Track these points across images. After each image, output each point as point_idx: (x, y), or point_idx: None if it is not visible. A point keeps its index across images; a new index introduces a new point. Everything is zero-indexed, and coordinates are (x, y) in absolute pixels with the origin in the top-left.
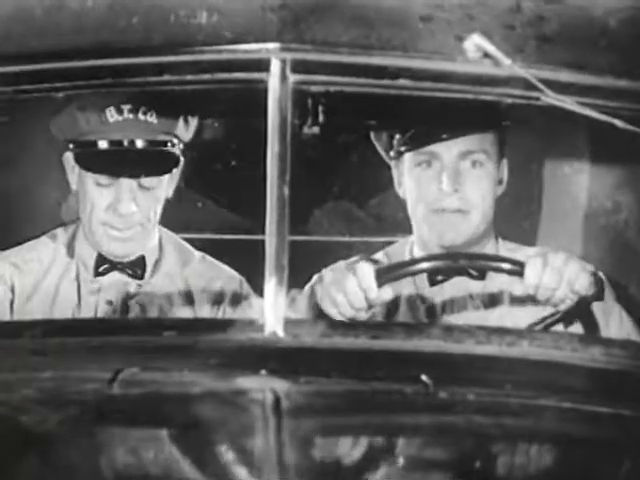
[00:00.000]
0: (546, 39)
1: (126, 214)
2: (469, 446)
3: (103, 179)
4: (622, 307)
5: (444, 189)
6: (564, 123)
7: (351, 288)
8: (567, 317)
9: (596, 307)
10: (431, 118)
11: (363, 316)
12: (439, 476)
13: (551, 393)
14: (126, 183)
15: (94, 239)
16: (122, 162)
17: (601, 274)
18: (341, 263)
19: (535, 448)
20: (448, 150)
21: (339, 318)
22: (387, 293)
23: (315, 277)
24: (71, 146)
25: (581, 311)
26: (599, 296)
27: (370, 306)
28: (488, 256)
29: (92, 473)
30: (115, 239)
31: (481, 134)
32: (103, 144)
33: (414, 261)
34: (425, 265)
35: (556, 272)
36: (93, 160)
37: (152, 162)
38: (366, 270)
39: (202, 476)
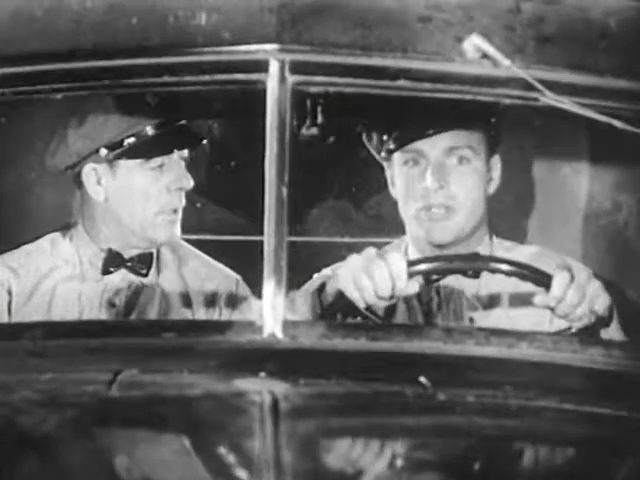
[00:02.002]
0: (545, 40)
1: (187, 187)
2: (469, 447)
3: (155, 162)
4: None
5: (429, 185)
6: (563, 124)
7: (381, 275)
8: (580, 334)
9: (602, 332)
10: (416, 115)
11: (382, 305)
12: (438, 478)
13: (551, 394)
14: (178, 159)
15: (148, 235)
16: (171, 139)
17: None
18: (371, 250)
19: (535, 449)
20: (433, 147)
21: (360, 304)
22: (414, 286)
23: (316, 275)
24: (105, 152)
25: (593, 332)
26: (609, 321)
27: (392, 297)
28: (519, 264)
29: (91, 475)
30: (171, 223)
31: (466, 130)
32: (150, 130)
33: (447, 258)
34: (457, 264)
35: (580, 289)
36: (145, 147)
37: (194, 133)
38: (398, 259)
39: (201, 476)
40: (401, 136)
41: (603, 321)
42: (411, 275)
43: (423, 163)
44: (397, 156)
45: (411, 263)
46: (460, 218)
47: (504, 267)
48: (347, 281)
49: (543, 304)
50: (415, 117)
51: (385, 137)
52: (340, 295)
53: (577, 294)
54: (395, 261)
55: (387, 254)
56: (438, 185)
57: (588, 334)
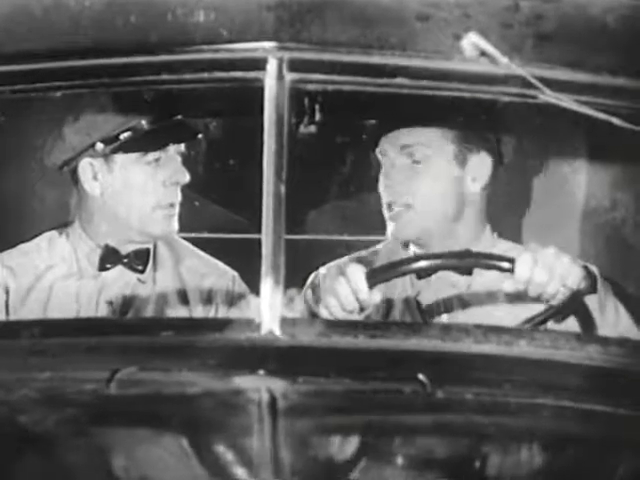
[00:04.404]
0: (544, 37)
1: (183, 181)
2: (467, 445)
3: (151, 156)
4: (617, 300)
5: (386, 183)
6: (562, 121)
7: (342, 290)
8: (561, 312)
9: (590, 301)
10: (381, 112)
11: (356, 318)
12: (437, 475)
13: (549, 392)
14: (174, 153)
15: (145, 229)
16: (167, 133)
17: (593, 267)
18: (334, 263)
19: (533, 447)
20: (392, 144)
21: None
22: (377, 295)
23: (314, 274)
24: (101, 146)
25: (575, 305)
26: (592, 289)
27: (362, 308)
28: (478, 254)
29: (90, 473)
30: (168, 218)
31: (424, 128)
32: (145, 125)
33: (404, 261)
34: (415, 265)
35: (547, 267)
36: (141, 142)
37: (189, 128)
38: (356, 271)
39: (199, 475)
40: (373, 133)
41: (581, 293)
42: (372, 285)
43: (386, 161)
44: (379, 153)
45: (369, 274)
46: (419, 216)
47: (463, 262)
48: (315, 301)
49: (513, 289)
50: (380, 114)
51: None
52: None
53: (544, 272)
54: (354, 274)
55: (347, 268)
56: (392, 182)
57: (572, 308)
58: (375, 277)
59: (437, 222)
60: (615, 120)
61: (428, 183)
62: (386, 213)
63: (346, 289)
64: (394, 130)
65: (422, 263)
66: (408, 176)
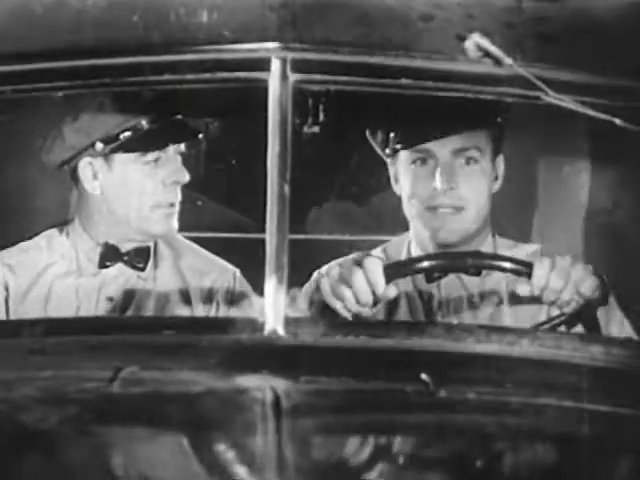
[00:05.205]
0: (546, 38)
1: (183, 181)
2: (469, 445)
3: (150, 156)
4: (623, 312)
5: (438, 186)
6: (564, 122)
7: (359, 282)
8: (571, 320)
9: (599, 311)
10: (425, 116)
11: (367, 312)
12: (439, 475)
13: (551, 392)
14: (173, 153)
15: (144, 228)
16: (167, 133)
17: (605, 278)
18: (348, 257)
19: (535, 447)
20: (442, 147)
21: (344, 313)
22: (392, 290)
23: (317, 272)
24: (101, 146)
25: (586, 315)
26: (604, 300)
27: (375, 302)
28: (497, 256)
29: (92, 472)
30: (168, 217)
31: (474, 131)
32: (145, 124)
33: (422, 258)
34: (432, 263)
35: (563, 274)
36: (140, 141)
37: (190, 128)
38: (375, 265)
39: (202, 475)
40: (410, 136)
41: (595, 302)
42: (389, 280)
43: (431, 163)
44: (404, 154)
45: (387, 268)
46: (468, 218)
47: (481, 262)
48: (328, 291)
49: (527, 293)
50: (426, 118)
51: (392, 135)
52: (325, 306)
53: (560, 279)
54: (372, 267)
55: (364, 260)
56: (447, 186)
57: (583, 317)
58: (393, 271)
59: (478, 225)
60: (618, 121)
61: (479, 186)
62: (423, 215)
63: (363, 282)
64: (441, 134)
65: (442, 261)
66: (462, 180)
